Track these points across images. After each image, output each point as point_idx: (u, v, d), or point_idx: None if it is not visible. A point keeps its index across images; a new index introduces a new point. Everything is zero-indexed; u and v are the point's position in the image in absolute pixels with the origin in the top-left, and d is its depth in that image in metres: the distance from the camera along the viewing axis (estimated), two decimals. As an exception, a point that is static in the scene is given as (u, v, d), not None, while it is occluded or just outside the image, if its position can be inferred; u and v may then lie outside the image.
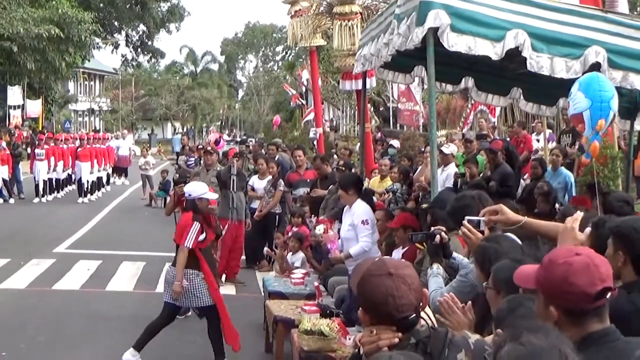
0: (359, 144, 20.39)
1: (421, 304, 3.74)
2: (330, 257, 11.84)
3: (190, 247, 10.45)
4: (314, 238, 12.93)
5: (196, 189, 11.10)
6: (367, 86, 16.25)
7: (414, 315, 3.68)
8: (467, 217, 6.05)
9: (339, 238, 11.71)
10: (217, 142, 30.56)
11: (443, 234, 6.44)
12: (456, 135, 22.84)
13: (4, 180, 30.69)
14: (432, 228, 6.73)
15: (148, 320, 11.08)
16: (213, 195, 11.34)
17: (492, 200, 6.87)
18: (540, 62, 8.60)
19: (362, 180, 12.97)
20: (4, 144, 32.52)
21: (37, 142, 33.78)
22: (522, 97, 13.20)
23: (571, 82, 8.97)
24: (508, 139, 19.22)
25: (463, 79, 12.92)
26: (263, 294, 13.20)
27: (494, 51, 8.64)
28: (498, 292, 4.92)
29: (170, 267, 10.85)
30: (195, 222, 10.54)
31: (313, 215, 14.83)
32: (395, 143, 24.12)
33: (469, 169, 14.36)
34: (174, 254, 13.57)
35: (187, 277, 10.55)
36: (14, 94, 52.80)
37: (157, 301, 14.28)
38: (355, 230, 11.01)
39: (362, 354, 3.72)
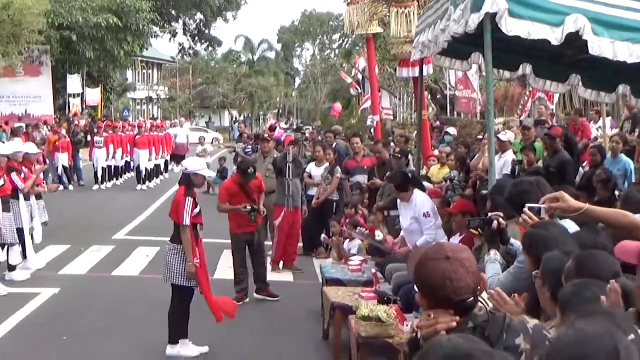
0: (416, 131, 20.34)
1: (479, 288, 3.73)
2: (397, 253, 11.89)
3: (189, 224, 10.48)
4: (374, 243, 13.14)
5: (193, 164, 11.20)
6: (424, 73, 16.21)
7: (472, 298, 3.67)
8: (527, 205, 6.02)
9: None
10: (273, 129, 30.65)
11: (501, 220, 6.42)
12: (514, 123, 22.65)
13: (64, 167, 31.06)
14: (490, 214, 6.71)
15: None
16: (210, 173, 11.43)
17: (550, 187, 6.83)
18: (602, 47, 8.48)
19: (408, 173, 12.95)
20: (63, 131, 32.95)
21: (96, 130, 34.14)
22: (581, 83, 13.04)
23: (631, 68, 8.88)
24: (566, 127, 19.04)
25: (521, 66, 12.80)
26: (320, 280, 13.22)
27: (553, 36, 8.54)
28: (544, 283, 4.90)
29: (169, 244, 10.85)
30: (187, 198, 10.55)
31: (351, 228, 14.77)
32: (452, 130, 24.02)
33: (526, 157, 14.26)
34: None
35: (170, 250, 10.66)
36: (74, 83, 53.42)
37: (214, 287, 14.45)
38: (419, 223, 11.11)
39: (419, 338, 3.72)
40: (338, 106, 59.48)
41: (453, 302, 3.63)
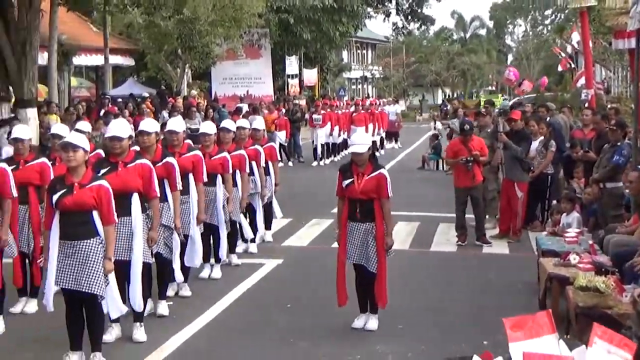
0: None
1: None
2: None
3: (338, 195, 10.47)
4: None
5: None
6: (641, 44, 15.90)
7: None
8: None
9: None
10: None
11: None
12: None
13: (281, 145, 31.96)
14: None
15: (419, 278, 11.29)
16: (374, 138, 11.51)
17: None
18: None
19: None
20: (283, 110, 33.92)
21: (314, 109, 34.89)
22: None
23: None
24: None
25: None
26: (536, 253, 13.27)
27: None
28: None
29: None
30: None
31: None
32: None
33: None
34: (446, 214, 13.98)
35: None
36: (291, 64, 54.60)
37: (429, 259, 14.74)
38: None
39: None
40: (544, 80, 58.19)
41: None
